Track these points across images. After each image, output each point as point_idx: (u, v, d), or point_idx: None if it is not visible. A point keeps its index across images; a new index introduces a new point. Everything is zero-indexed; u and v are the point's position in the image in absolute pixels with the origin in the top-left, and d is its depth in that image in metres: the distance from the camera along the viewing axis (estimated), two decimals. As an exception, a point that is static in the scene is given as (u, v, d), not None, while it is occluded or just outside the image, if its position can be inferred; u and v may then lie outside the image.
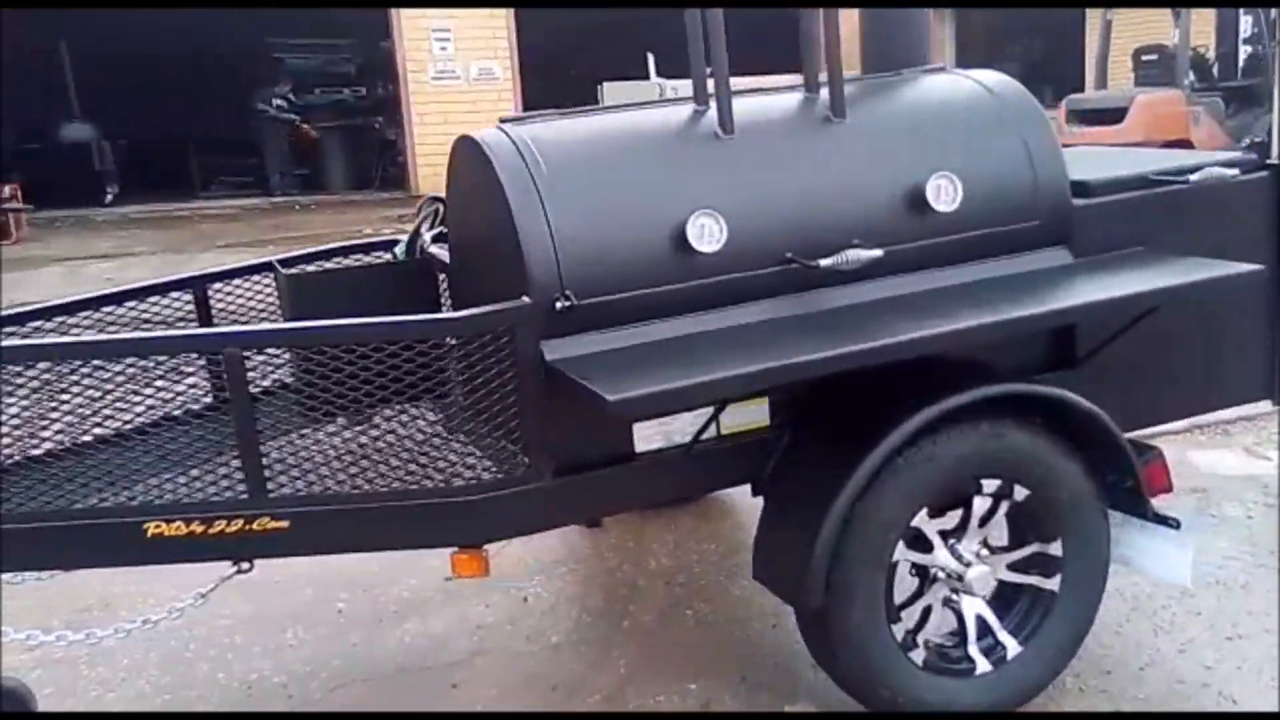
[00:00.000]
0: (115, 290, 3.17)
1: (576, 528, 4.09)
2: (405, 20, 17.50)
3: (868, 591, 2.61)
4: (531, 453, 2.52)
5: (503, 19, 17.77)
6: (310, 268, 3.39)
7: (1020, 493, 2.74)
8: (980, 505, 2.75)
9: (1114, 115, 12.26)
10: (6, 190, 13.62)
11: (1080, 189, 3.03)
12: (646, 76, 12.73)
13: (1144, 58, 13.25)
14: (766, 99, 2.94)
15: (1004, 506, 2.77)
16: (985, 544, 2.83)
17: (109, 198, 17.43)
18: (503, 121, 2.73)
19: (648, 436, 2.68)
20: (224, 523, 2.46)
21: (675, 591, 3.60)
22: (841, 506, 2.53)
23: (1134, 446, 2.87)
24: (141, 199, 17.10)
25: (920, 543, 2.73)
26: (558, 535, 3.99)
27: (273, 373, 2.76)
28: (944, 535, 2.76)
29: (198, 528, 2.46)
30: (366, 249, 3.56)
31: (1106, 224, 3.03)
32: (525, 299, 2.46)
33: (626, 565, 3.83)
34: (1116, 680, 3.00)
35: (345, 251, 3.56)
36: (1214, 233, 3.11)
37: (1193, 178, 3.09)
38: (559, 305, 2.44)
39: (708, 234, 2.56)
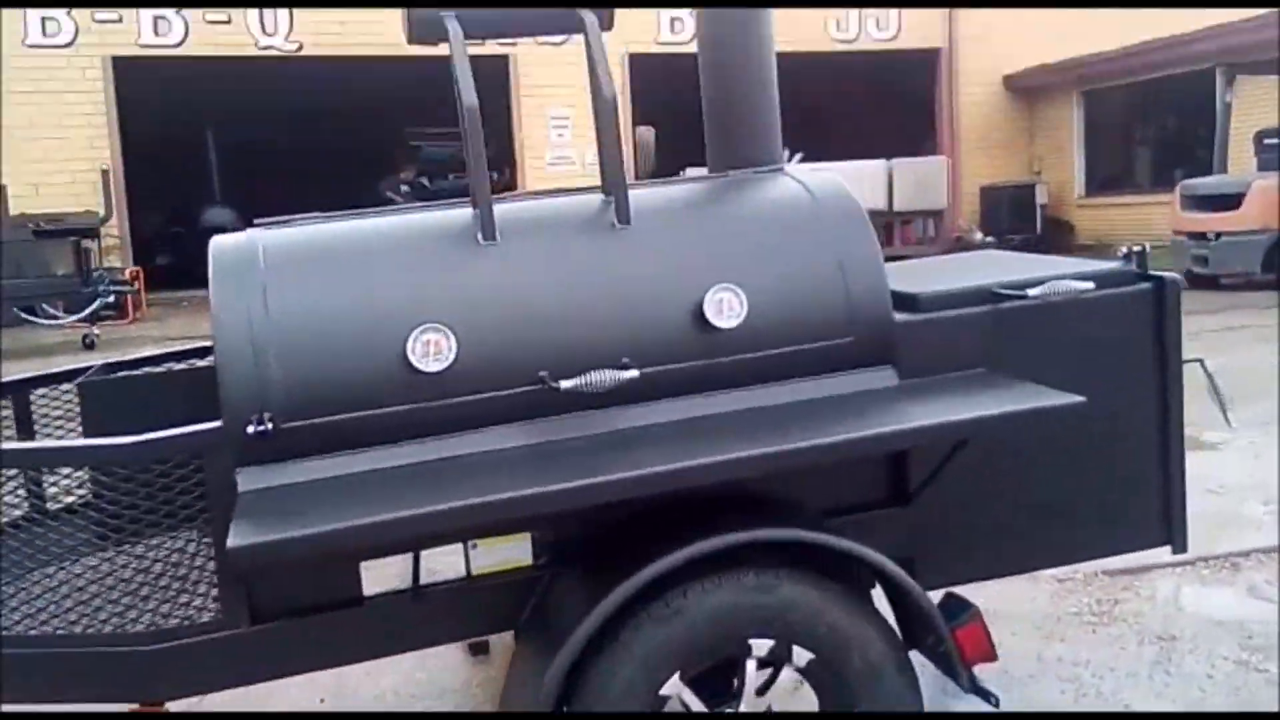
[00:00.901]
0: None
1: (461, 654, 3.82)
2: (525, 107, 17.90)
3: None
4: (225, 595, 2.29)
5: (623, 105, 17.91)
6: (134, 373, 3.24)
7: (802, 656, 2.35)
8: (754, 670, 2.37)
9: (1230, 201, 11.45)
10: (128, 273, 14.36)
11: (908, 303, 2.67)
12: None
13: (1265, 141, 12.38)
14: (559, 201, 2.69)
15: (785, 672, 2.39)
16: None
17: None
18: (255, 224, 2.56)
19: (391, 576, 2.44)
20: None
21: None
22: (560, 668, 2.21)
23: (951, 603, 2.48)
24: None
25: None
26: (430, 666, 3.73)
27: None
28: (714, 702, 2.39)
29: None
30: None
31: (939, 342, 2.65)
32: (219, 421, 2.25)
33: (488, 705, 3.51)
34: None
35: (192, 354, 3.42)
36: (1079, 353, 2.71)
37: (1032, 292, 2.68)
38: (251, 429, 2.22)
39: (434, 351, 2.30)
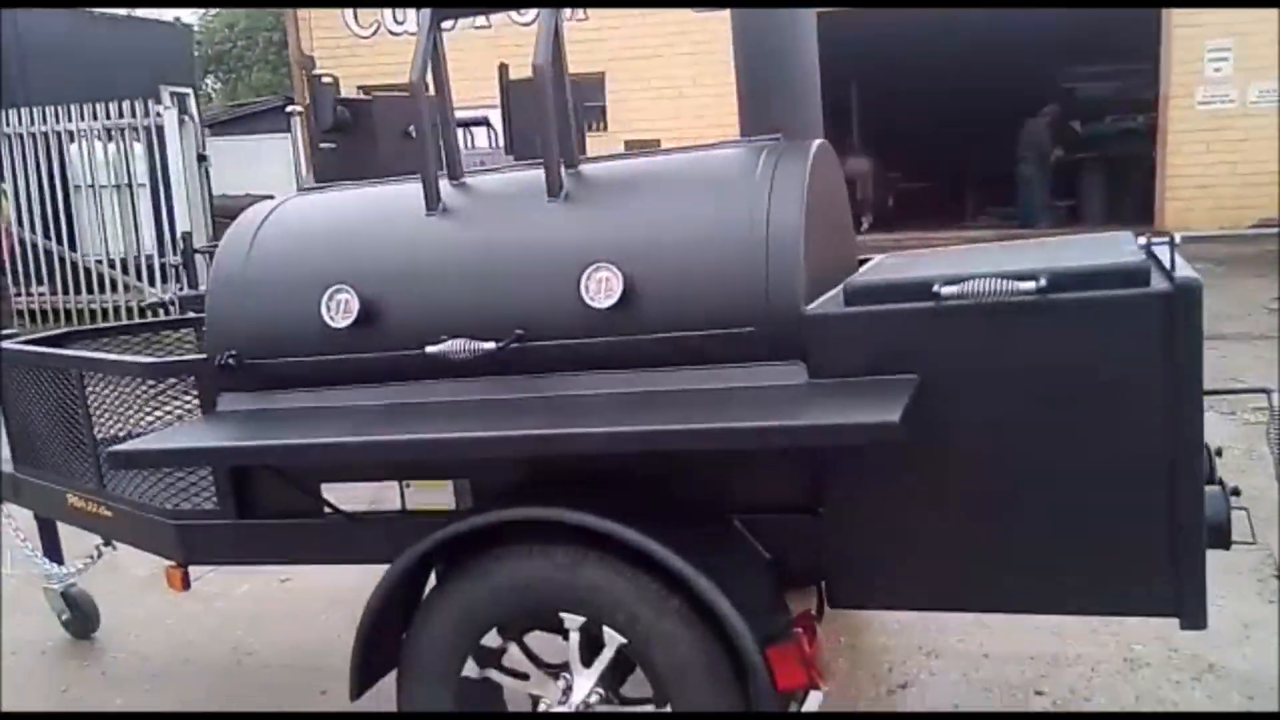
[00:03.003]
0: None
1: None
2: (1176, 37, 16.08)
3: (425, 702, 2.49)
4: (221, 492, 2.87)
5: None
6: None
7: (613, 638, 2.34)
8: (577, 641, 2.40)
9: None
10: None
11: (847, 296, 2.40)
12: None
13: None
14: (519, 175, 2.83)
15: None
16: (609, 689, 2.44)
17: (864, 226, 18.87)
18: (301, 190, 3.07)
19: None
20: (93, 504, 3.25)
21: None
22: (373, 609, 2.48)
23: (776, 619, 2.27)
24: (909, 229, 18.03)
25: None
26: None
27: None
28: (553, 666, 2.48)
29: (87, 504, 3.29)
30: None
31: (866, 341, 2.33)
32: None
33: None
34: None
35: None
36: (1061, 371, 2.21)
37: (945, 290, 2.21)
38: (219, 361, 2.75)
39: (343, 309, 2.64)
